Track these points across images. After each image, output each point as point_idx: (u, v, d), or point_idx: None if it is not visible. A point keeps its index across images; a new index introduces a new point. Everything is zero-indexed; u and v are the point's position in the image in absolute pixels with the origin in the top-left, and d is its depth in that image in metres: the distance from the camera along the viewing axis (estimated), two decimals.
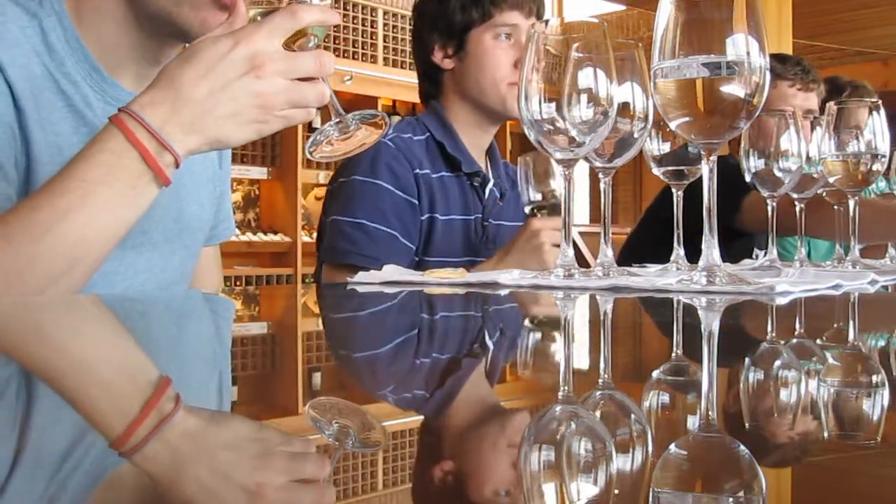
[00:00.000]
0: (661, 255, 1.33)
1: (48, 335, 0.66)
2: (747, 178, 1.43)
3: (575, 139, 0.99)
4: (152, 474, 0.29)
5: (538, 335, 0.72)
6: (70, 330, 0.70)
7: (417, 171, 1.64)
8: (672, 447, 0.33)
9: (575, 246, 1.35)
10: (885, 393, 0.44)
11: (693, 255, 1.01)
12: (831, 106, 1.46)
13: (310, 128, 4.48)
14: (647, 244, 2.05)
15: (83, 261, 0.87)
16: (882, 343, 0.68)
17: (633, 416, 0.40)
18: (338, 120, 0.92)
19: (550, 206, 1.54)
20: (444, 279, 1.11)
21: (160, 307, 0.95)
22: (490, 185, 1.77)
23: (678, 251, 1.20)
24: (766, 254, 1.44)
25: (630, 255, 2.25)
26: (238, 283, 4.68)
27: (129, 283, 1.10)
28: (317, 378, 0.54)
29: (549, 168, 1.53)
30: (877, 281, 1.18)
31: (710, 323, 0.73)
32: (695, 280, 0.89)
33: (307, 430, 0.39)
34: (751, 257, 1.85)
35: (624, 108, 1.08)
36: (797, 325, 0.77)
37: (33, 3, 1.02)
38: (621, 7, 5.83)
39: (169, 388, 0.43)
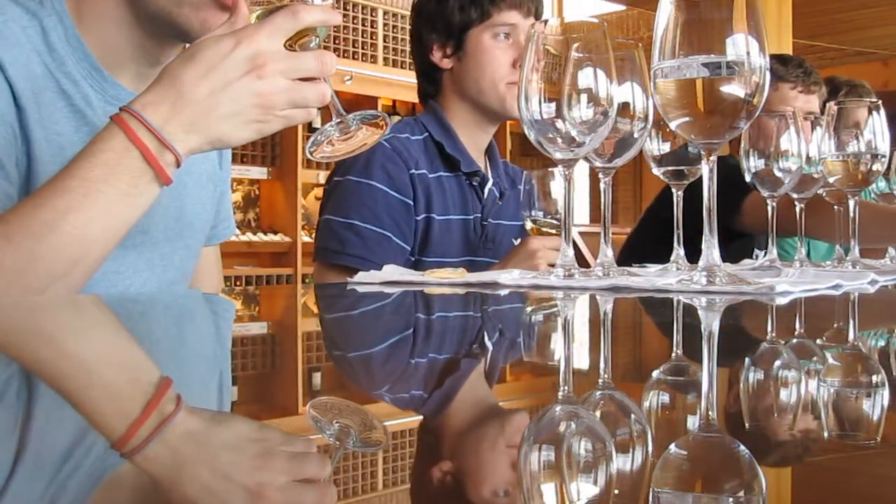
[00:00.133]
0: (661, 255, 1.33)
1: (49, 335, 0.66)
2: (747, 178, 1.43)
3: (575, 139, 0.99)
4: (154, 475, 0.29)
5: (538, 335, 0.72)
6: (70, 330, 0.70)
7: (413, 171, 1.64)
8: (672, 447, 0.33)
9: (575, 246, 1.35)
10: (885, 393, 0.44)
11: (693, 255, 1.02)
12: (831, 106, 1.46)
13: (310, 128, 4.48)
14: (647, 244, 2.05)
15: (84, 260, 0.87)
16: (882, 343, 0.68)
17: (633, 416, 0.40)
18: (339, 120, 0.92)
19: (551, 226, 1.54)
20: (444, 279, 1.11)
21: (160, 307, 0.95)
22: (489, 184, 1.77)
23: (678, 251, 1.20)
24: (766, 254, 1.44)
25: (630, 255, 2.25)
26: (238, 283, 4.68)
27: (129, 282, 1.10)
28: (317, 378, 0.54)
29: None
30: (877, 281, 1.18)
31: (710, 323, 0.73)
32: (695, 280, 0.89)
33: (307, 430, 0.39)
34: (751, 257, 1.85)
35: (624, 108, 1.08)
36: (797, 325, 0.77)
37: (34, 3, 1.02)
38: (621, 7, 5.83)
39: (170, 389, 0.43)
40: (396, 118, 2.01)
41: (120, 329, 0.73)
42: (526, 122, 1.00)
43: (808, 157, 1.45)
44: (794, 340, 0.65)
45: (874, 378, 0.49)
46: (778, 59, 2.25)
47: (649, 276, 1.05)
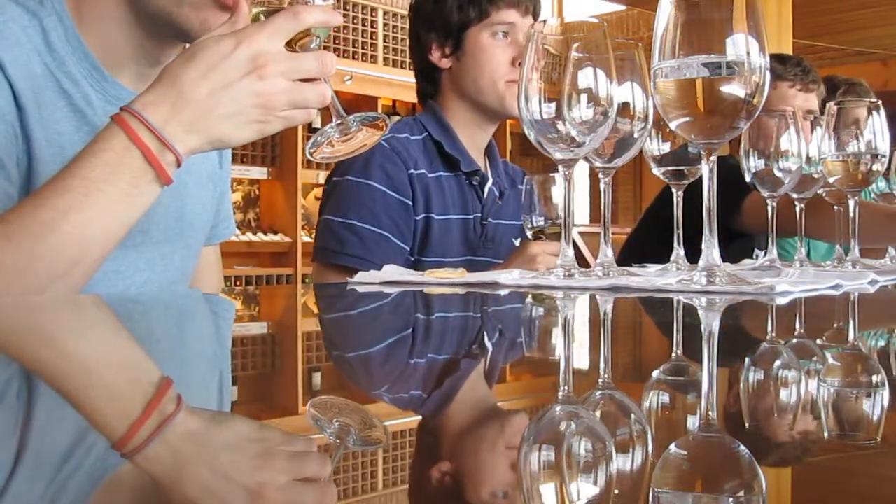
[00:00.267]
0: (661, 254, 1.33)
1: (49, 335, 0.66)
2: (747, 178, 1.43)
3: (575, 139, 0.99)
4: (154, 475, 0.29)
5: (538, 335, 0.72)
6: (71, 330, 0.70)
7: (412, 171, 1.64)
8: (672, 447, 0.33)
9: (575, 246, 1.35)
10: (885, 393, 0.44)
11: (693, 255, 1.02)
12: (831, 106, 1.46)
13: (310, 128, 4.48)
14: (647, 244, 2.05)
15: (84, 260, 0.87)
16: (882, 343, 0.68)
17: (633, 416, 0.40)
18: (339, 121, 0.92)
19: (551, 231, 1.54)
20: (444, 279, 1.11)
21: (160, 307, 0.95)
22: (489, 183, 1.77)
23: (678, 251, 1.20)
24: (766, 254, 1.44)
25: (630, 255, 2.25)
26: (238, 283, 4.68)
27: (129, 281, 1.10)
28: (317, 378, 0.54)
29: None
30: (877, 281, 1.18)
31: (710, 323, 0.73)
32: (695, 280, 0.89)
33: (307, 429, 0.39)
34: (750, 257, 1.85)
35: (624, 108, 1.08)
36: (797, 325, 0.77)
37: (34, 3, 1.02)
38: (621, 7, 5.83)
39: (170, 389, 0.43)
40: (396, 118, 2.00)
41: (120, 329, 0.73)
42: (526, 122, 1.00)
43: (808, 157, 1.45)
44: (794, 340, 0.65)
45: (874, 378, 0.49)
46: (776, 59, 2.26)
47: (649, 276, 1.05)
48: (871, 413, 0.40)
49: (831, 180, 1.48)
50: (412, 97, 2.24)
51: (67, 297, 0.87)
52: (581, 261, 2.13)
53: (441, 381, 0.50)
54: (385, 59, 5.19)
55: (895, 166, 1.80)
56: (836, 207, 1.70)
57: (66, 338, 0.64)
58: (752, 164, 1.41)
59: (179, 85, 0.86)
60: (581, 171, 1.96)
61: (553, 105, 0.98)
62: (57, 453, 0.31)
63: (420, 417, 0.41)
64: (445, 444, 0.35)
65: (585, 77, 0.98)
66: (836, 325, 0.81)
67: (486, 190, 1.76)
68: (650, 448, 0.33)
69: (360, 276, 1.13)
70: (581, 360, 0.57)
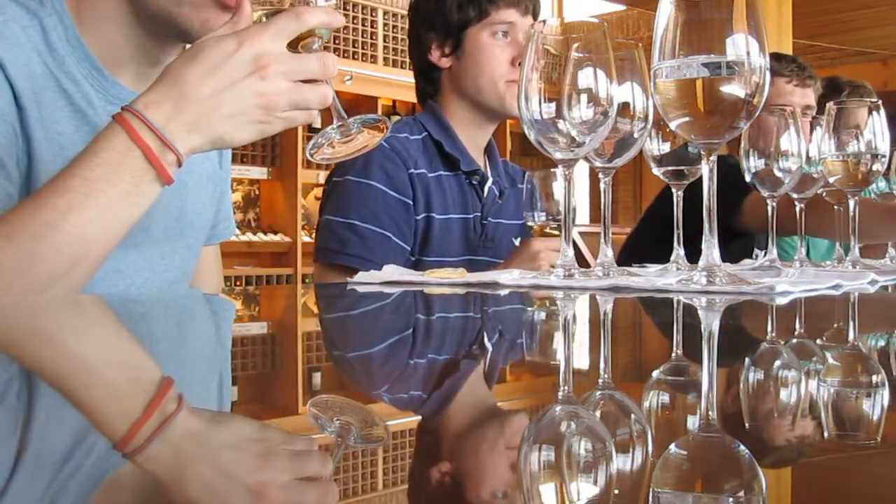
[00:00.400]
0: (661, 254, 1.33)
1: (50, 335, 0.66)
2: (747, 178, 1.43)
3: (575, 139, 0.99)
4: (156, 475, 0.29)
5: (538, 335, 0.72)
6: (71, 330, 0.70)
7: (412, 170, 1.64)
8: (672, 447, 0.33)
9: (575, 246, 1.35)
10: (885, 393, 0.44)
11: (693, 255, 1.02)
12: (831, 106, 1.46)
13: (310, 128, 4.48)
14: (646, 244, 2.05)
15: (85, 260, 0.87)
16: (882, 343, 0.68)
17: (633, 416, 0.40)
18: (340, 123, 0.92)
19: (552, 227, 1.54)
20: (444, 279, 1.11)
21: (161, 307, 0.95)
22: (489, 183, 1.77)
23: (678, 251, 1.20)
24: (765, 254, 1.44)
25: (630, 254, 2.25)
26: (238, 283, 4.68)
27: (129, 281, 1.10)
28: (317, 378, 0.54)
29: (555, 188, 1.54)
30: (877, 281, 1.18)
31: (710, 323, 0.73)
32: (695, 280, 0.89)
33: (308, 429, 0.39)
34: (750, 257, 1.85)
35: (624, 108, 1.08)
36: (797, 325, 0.77)
37: (34, 3, 1.02)
38: (621, 7, 5.83)
39: (171, 389, 0.43)
40: (396, 118, 2.00)
41: (120, 329, 0.74)
42: (526, 122, 1.00)
43: (808, 157, 1.45)
44: (794, 340, 0.65)
45: (874, 378, 0.49)
46: (773, 56, 2.27)
47: (649, 276, 1.05)
48: (871, 413, 0.40)
49: (831, 180, 1.48)
50: (412, 97, 2.24)
51: (68, 297, 0.87)
52: (581, 261, 2.13)
53: (441, 382, 0.50)
54: (385, 59, 5.19)
55: (895, 166, 1.80)
56: (836, 207, 1.70)
57: (67, 337, 0.64)
58: (752, 164, 1.41)
59: (181, 84, 0.86)
60: (581, 171, 1.96)
61: (553, 105, 0.98)
62: (58, 453, 0.31)
63: (420, 417, 0.41)
64: (445, 445, 0.35)
65: (585, 77, 0.98)
66: (836, 325, 0.81)
67: (486, 189, 1.76)
68: (650, 448, 0.33)
69: (360, 276, 1.13)
70: (581, 361, 0.57)
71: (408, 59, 2.24)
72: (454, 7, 1.71)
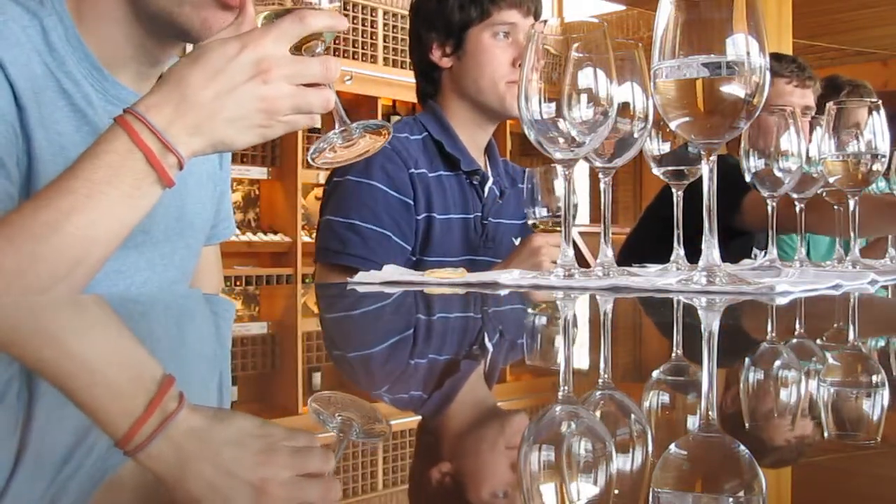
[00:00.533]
0: (660, 254, 1.33)
1: (51, 335, 0.66)
2: (747, 178, 1.43)
3: (575, 139, 0.99)
4: (157, 472, 0.29)
5: (538, 335, 0.72)
6: (72, 330, 0.70)
7: (413, 170, 1.64)
8: (672, 447, 0.33)
9: (575, 246, 1.35)
10: (885, 393, 0.44)
11: (693, 254, 1.02)
12: (831, 106, 1.46)
13: (311, 129, 4.48)
14: (646, 243, 2.05)
15: (86, 260, 0.87)
16: (882, 343, 0.68)
17: (633, 416, 0.40)
18: (342, 129, 0.92)
19: (553, 223, 1.54)
20: (444, 279, 1.11)
21: (161, 307, 0.95)
22: (489, 183, 1.77)
23: (678, 251, 1.20)
24: (765, 254, 1.44)
25: (629, 254, 2.25)
26: (238, 283, 4.68)
27: (129, 281, 1.10)
28: (317, 378, 0.54)
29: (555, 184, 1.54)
30: (877, 281, 1.18)
31: (710, 323, 0.73)
32: (695, 280, 0.89)
33: (308, 429, 0.39)
34: (749, 257, 1.85)
35: (624, 108, 1.08)
36: (797, 325, 0.77)
37: (34, 3, 1.02)
38: (621, 7, 5.83)
39: (172, 387, 0.43)
40: (396, 118, 2.00)
41: (121, 329, 0.74)
42: (526, 122, 1.00)
43: (808, 157, 1.45)
44: (794, 340, 0.65)
45: (874, 378, 0.49)
46: (773, 57, 2.27)
47: (649, 276, 1.05)
48: (871, 413, 0.40)
49: (831, 180, 1.48)
50: (412, 97, 2.24)
51: (68, 297, 0.87)
52: (581, 261, 2.13)
53: (441, 382, 0.50)
54: (385, 59, 5.19)
55: (895, 166, 1.80)
56: (836, 207, 1.70)
57: (68, 337, 0.64)
58: (752, 164, 1.41)
59: (184, 87, 0.86)
60: (581, 171, 1.96)
61: (553, 105, 0.98)
62: (60, 451, 0.31)
63: (420, 417, 0.41)
64: (445, 445, 0.35)
65: (585, 77, 0.98)
66: (836, 325, 0.81)
67: (486, 189, 1.76)
68: (650, 448, 0.33)
69: (360, 276, 1.13)
70: (581, 361, 0.57)
71: (408, 60, 2.24)
72: (456, 7, 1.71)
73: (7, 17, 0.98)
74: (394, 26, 5.25)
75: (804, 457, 0.33)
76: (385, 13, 5.22)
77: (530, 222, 1.58)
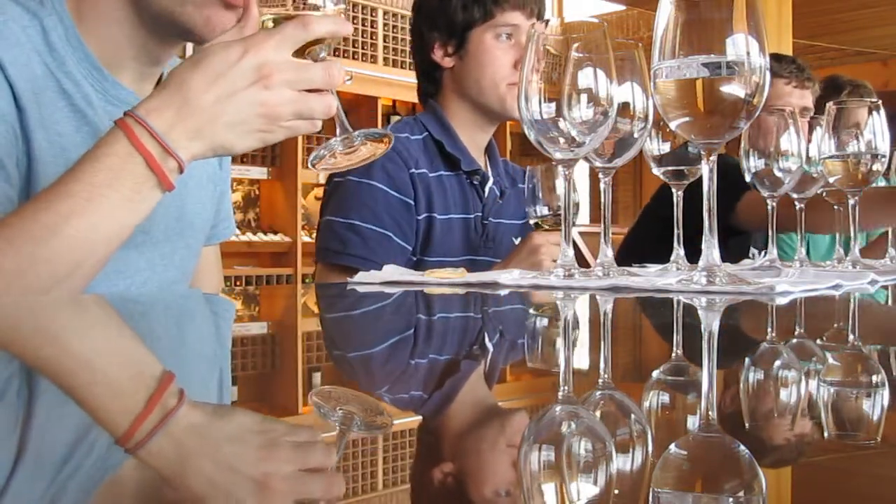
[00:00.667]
0: (660, 253, 1.33)
1: (51, 334, 0.66)
2: (747, 178, 1.43)
3: (575, 139, 0.99)
4: (158, 469, 0.29)
5: (538, 335, 0.72)
6: (72, 329, 0.70)
7: (413, 170, 1.64)
8: (672, 447, 0.33)
9: (575, 246, 1.35)
10: (885, 393, 0.44)
11: (692, 254, 1.02)
12: (831, 106, 1.46)
13: None
14: (645, 243, 2.05)
15: (85, 264, 0.87)
16: (881, 343, 0.68)
17: (633, 416, 0.40)
18: (344, 136, 0.92)
19: (554, 221, 1.54)
20: (444, 279, 1.11)
21: (161, 307, 0.95)
22: (490, 183, 1.77)
23: (678, 251, 1.20)
24: (765, 254, 1.44)
25: (628, 254, 2.25)
26: (238, 283, 4.68)
27: (129, 281, 1.10)
28: (317, 378, 0.54)
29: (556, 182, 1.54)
30: (877, 281, 1.18)
31: (710, 323, 0.73)
32: (695, 280, 0.89)
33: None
34: (746, 256, 1.85)
35: (624, 108, 1.08)
36: (797, 325, 0.77)
37: (34, 3, 1.01)
38: (621, 7, 5.83)
39: (172, 384, 0.43)
40: (396, 118, 2.01)
41: (121, 328, 0.74)
42: (526, 122, 1.00)
43: (808, 157, 1.45)
44: (794, 340, 0.65)
45: (874, 378, 0.49)
46: (772, 57, 2.28)
47: (649, 276, 1.05)
48: (871, 413, 0.40)
49: (831, 180, 1.48)
50: (412, 97, 2.24)
51: (69, 297, 0.87)
52: (581, 261, 2.13)
53: (441, 382, 0.50)
54: (385, 59, 5.19)
55: (895, 166, 1.80)
56: (836, 207, 1.70)
57: (68, 336, 0.64)
58: (752, 164, 1.41)
59: (185, 91, 0.86)
60: (581, 171, 1.96)
61: (553, 105, 0.98)
62: (61, 449, 0.31)
63: (420, 417, 0.41)
64: (446, 444, 0.35)
65: (585, 77, 0.98)
66: (836, 325, 0.81)
67: (486, 189, 1.76)
68: (650, 448, 0.33)
69: (360, 276, 1.13)
70: (581, 361, 0.57)
71: (408, 60, 2.24)
72: (459, 7, 1.70)
73: (7, 17, 0.98)
74: (394, 26, 5.25)
75: (804, 457, 0.33)
76: (385, 13, 5.22)
77: (531, 220, 1.58)
